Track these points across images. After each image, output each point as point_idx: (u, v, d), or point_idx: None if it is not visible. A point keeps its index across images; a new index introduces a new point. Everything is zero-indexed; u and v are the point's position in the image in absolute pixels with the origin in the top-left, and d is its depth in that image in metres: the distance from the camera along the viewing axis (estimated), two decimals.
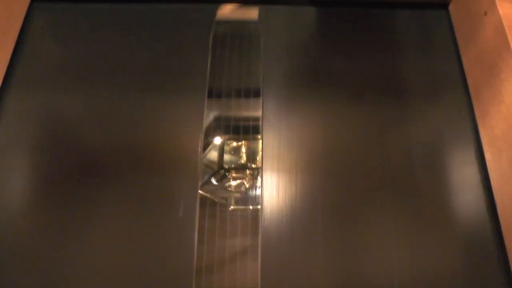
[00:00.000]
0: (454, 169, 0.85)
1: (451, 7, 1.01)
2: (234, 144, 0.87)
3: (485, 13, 0.85)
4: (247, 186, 0.84)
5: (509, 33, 0.78)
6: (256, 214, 0.80)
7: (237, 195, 0.83)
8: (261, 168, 0.83)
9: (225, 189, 0.83)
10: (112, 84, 0.90)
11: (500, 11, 0.80)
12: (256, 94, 0.91)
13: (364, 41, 0.98)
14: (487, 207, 0.81)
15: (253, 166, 0.85)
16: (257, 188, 0.83)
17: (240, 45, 0.96)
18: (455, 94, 0.92)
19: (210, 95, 0.90)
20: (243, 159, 0.86)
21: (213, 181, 0.83)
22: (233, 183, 0.84)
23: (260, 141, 0.86)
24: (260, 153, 0.85)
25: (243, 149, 0.87)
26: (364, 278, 0.76)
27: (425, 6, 1.02)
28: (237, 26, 0.98)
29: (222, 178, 0.84)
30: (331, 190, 0.82)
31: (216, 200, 0.81)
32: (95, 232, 0.77)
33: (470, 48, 0.92)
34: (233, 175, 0.85)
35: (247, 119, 0.89)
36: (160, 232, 0.78)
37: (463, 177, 0.84)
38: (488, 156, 0.84)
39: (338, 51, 0.96)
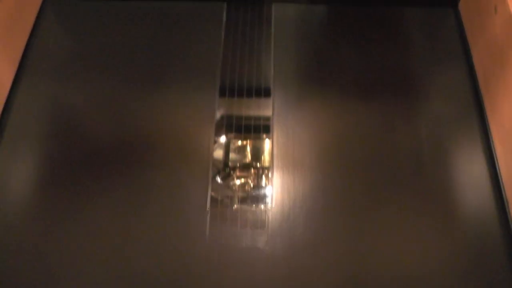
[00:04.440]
0: (464, 164, 0.83)
1: (460, 5, 1.00)
2: (239, 143, 0.87)
3: (495, 9, 0.84)
4: (252, 185, 0.83)
5: None
6: (266, 212, 0.79)
7: (242, 194, 0.82)
8: (272, 166, 0.83)
9: (231, 188, 0.83)
10: (123, 78, 0.91)
11: (510, 7, 0.79)
12: (267, 93, 0.91)
13: (374, 38, 0.98)
14: (497, 203, 0.79)
15: (262, 165, 0.84)
16: (264, 187, 0.82)
17: (251, 43, 0.97)
18: (464, 90, 0.90)
19: (221, 93, 0.90)
20: (248, 158, 0.85)
21: (218, 179, 0.83)
22: (237, 182, 0.83)
23: (268, 140, 0.86)
24: (270, 152, 0.84)
25: (248, 148, 0.86)
26: (374, 274, 0.74)
27: (435, 4, 1.01)
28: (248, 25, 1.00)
29: (227, 177, 0.84)
30: (342, 186, 0.81)
31: (226, 200, 0.81)
32: (101, 223, 0.77)
33: (480, 43, 0.90)
34: (238, 174, 0.84)
35: (257, 118, 0.89)
36: (167, 227, 0.77)
37: (472, 173, 0.82)
38: (498, 151, 0.81)
39: (348, 48, 0.96)
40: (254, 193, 0.82)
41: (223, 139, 0.86)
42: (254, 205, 0.80)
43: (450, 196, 0.80)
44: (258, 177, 0.84)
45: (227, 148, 0.86)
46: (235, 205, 0.80)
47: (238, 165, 0.85)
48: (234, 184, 0.83)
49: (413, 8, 1.01)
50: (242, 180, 0.83)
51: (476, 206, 0.79)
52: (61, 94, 0.89)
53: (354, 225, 0.78)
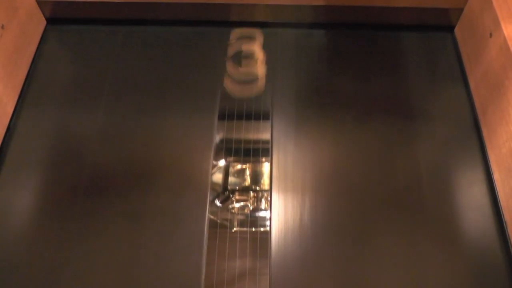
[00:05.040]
0: (462, 189, 0.83)
1: (456, 30, 1.02)
2: (239, 166, 0.87)
3: (490, 35, 0.85)
4: (251, 208, 0.83)
5: None
6: (265, 236, 0.79)
7: (242, 217, 0.82)
8: (270, 190, 0.83)
9: (230, 211, 0.83)
10: (123, 103, 0.92)
11: (505, 32, 0.80)
12: (265, 117, 0.91)
13: (371, 63, 0.99)
14: (496, 227, 0.78)
15: (261, 188, 0.85)
16: (263, 211, 0.82)
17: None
18: (461, 115, 0.91)
19: (220, 117, 0.91)
20: (247, 181, 0.86)
21: (217, 203, 0.83)
22: (237, 205, 0.84)
23: (267, 163, 0.86)
24: (269, 175, 0.85)
25: (248, 172, 0.87)
26: None
27: (431, 29, 1.03)
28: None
29: (226, 200, 0.84)
30: (341, 211, 0.81)
31: (225, 222, 0.81)
32: (102, 251, 0.76)
33: (476, 69, 0.91)
34: (237, 197, 0.84)
35: (256, 141, 0.89)
36: (167, 252, 0.77)
37: (471, 197, 0.82)
38: (496, 175, 0.82)
39: (346, 73, 0.97)
40: (253, 216, 0.82)
41: (222, 162, 0.87)
42: (253, 228, 0.81)
43: (450, 220, 0.80)
44: (257, 200, 0.84)
45: (226, 171, 0.86)
46: (234, 228, 0.80)
47: (237, 188, 0.85)
48: (233, 207, 0.83)
49: (411, 33, 1.03)
50: (241, 203, 0.84)
51: (477, 230, 0.79)
52: (63, 121, 0.90)
53: (353, 249, 0.78)
